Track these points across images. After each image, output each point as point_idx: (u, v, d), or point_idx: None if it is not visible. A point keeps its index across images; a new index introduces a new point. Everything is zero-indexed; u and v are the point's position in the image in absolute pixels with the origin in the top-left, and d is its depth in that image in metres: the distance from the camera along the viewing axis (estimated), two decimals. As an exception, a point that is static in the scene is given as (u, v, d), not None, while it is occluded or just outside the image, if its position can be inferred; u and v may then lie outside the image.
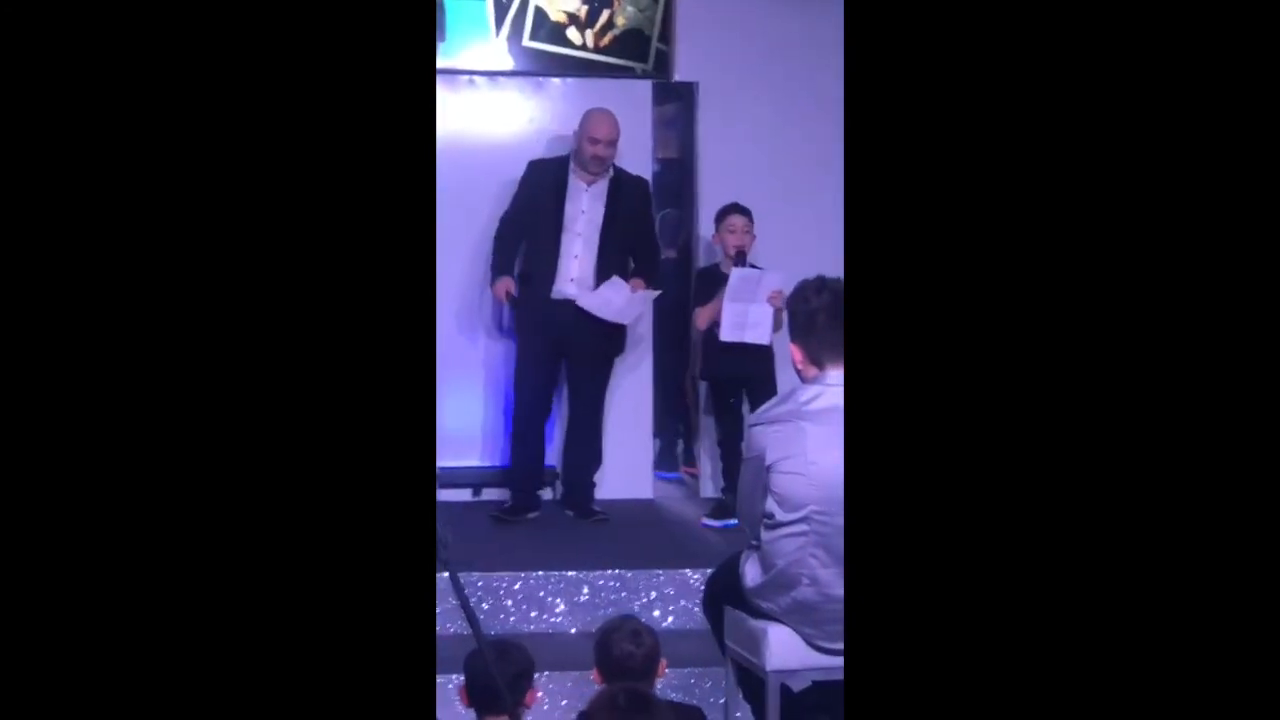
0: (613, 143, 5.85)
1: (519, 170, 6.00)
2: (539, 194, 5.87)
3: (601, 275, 5.85)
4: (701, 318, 6.01)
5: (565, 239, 5.84)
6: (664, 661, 3.40)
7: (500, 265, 5.92)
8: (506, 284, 5.85)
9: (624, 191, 5.93)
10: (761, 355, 5.87)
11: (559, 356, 5.96)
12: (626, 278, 5.90)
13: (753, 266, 5.91)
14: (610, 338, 5.97)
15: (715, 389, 6.17)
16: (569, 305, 5.81)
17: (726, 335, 5.81)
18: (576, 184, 5.88)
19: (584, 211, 5.87)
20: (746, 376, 5.89)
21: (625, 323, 5.93)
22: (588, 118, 5.88)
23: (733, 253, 5.91)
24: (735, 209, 5.99)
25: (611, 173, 5.91)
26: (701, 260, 6.46)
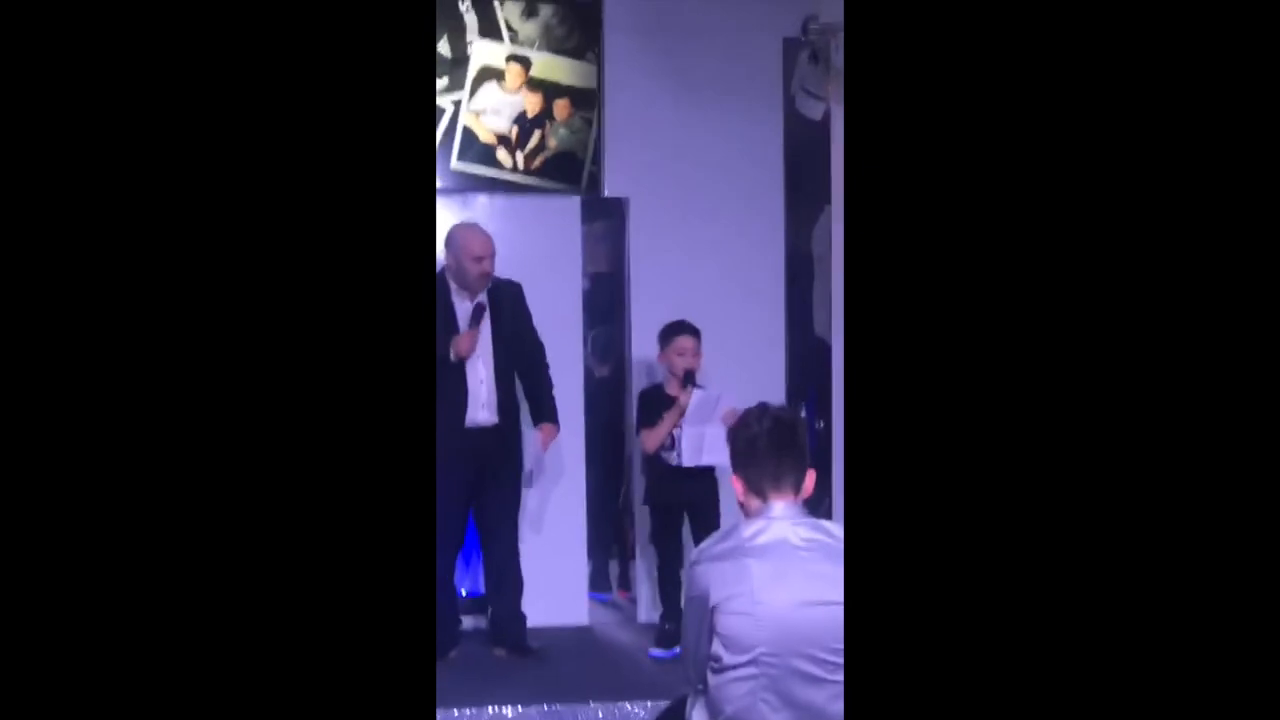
0: (494, 255, 5.57)
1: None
2: None
3: (501, 393, 5.61)
4: (650, 441, 5.82)
5: (469, 365, 5.53)
6: None
7: None
8: (466, 338, 5.48)
9: (504, 300, 5.66)
10: (706, 480, 5.73)
11: (470, 487, 5.61)
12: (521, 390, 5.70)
13: (698, 387, 5.78)
14: (512, 464, 5.74)
15: (657, 514, 5.95)
16: (478, 433, 5.54)
17: (688, 460, 5.67)
18: (461, 304, 5.58)
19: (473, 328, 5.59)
20: (690, 501, 5.75)
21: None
22: (463, 235, 5.57)
23: (681, 374, 5.77)
24: (684, 329, 5.81)
25: (489, 283, 5.64)
26: (640, 379, 6.31)
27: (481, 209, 6.26)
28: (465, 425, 5.50)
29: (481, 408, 5.56)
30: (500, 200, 6.28)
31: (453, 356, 5.46)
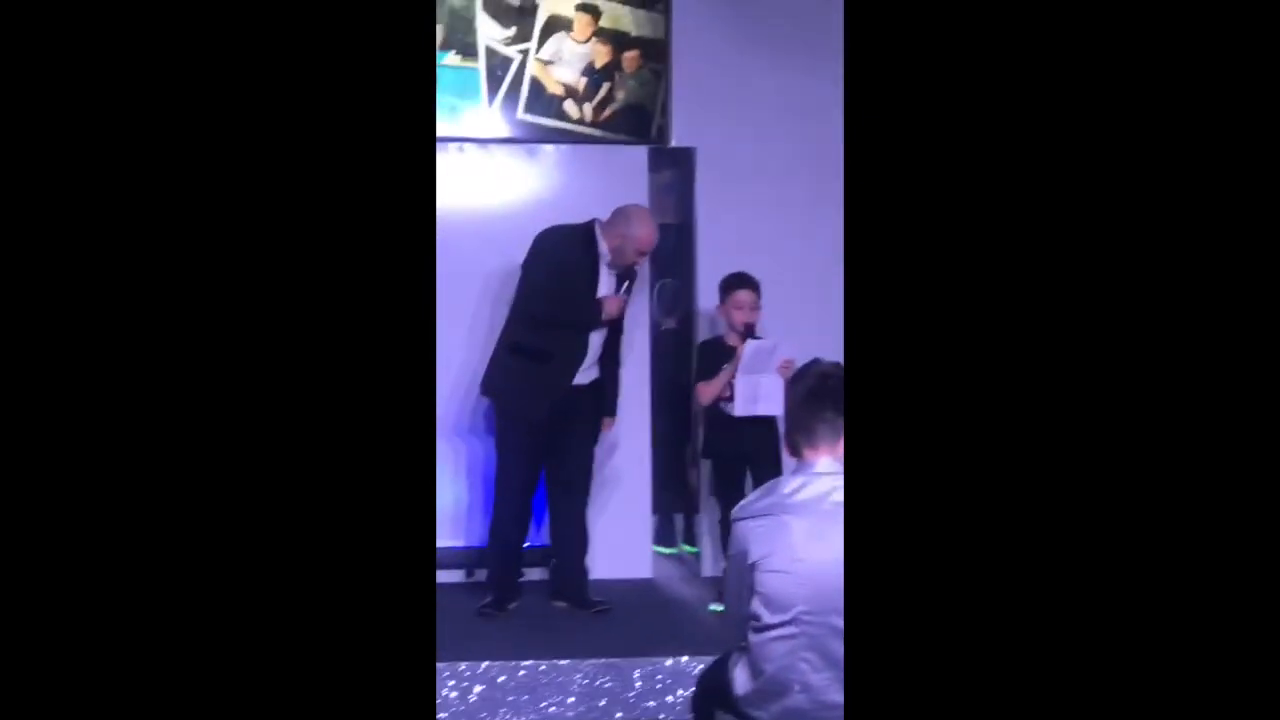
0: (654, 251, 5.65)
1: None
2: (569, 269, 5.52)
3: (605, 350, 5.65)
4: (706, 393, 5.79)
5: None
6: None
7: (533, 346, 5.51)
8: (617, 302, 5.54)
9: (628, 277, 5.69)
10: (766, 431, 5.68)
11: (549, 441, 5.62)
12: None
13: (757, 338, 5.73)
14: (597, 420, 5.76)
15: (719, 466, 5.94)
16: (577, 390, 5.56)
17: (741, 410, 5.64)
18: (605, 272, 5.59)
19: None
20: (751, 453, 5.70)
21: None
22: (638, 225, 5.54)
23: (740, 328, 5.73)
24: (743, 282, 5.77)
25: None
26: (708, 332, 6.26)
27: (547, 159, 6.23)
28: (574, 383, 5.54)
29: (588, 368, 5.59)
30: (567, 150, 6.24)
31: (604, 317, 5.51)
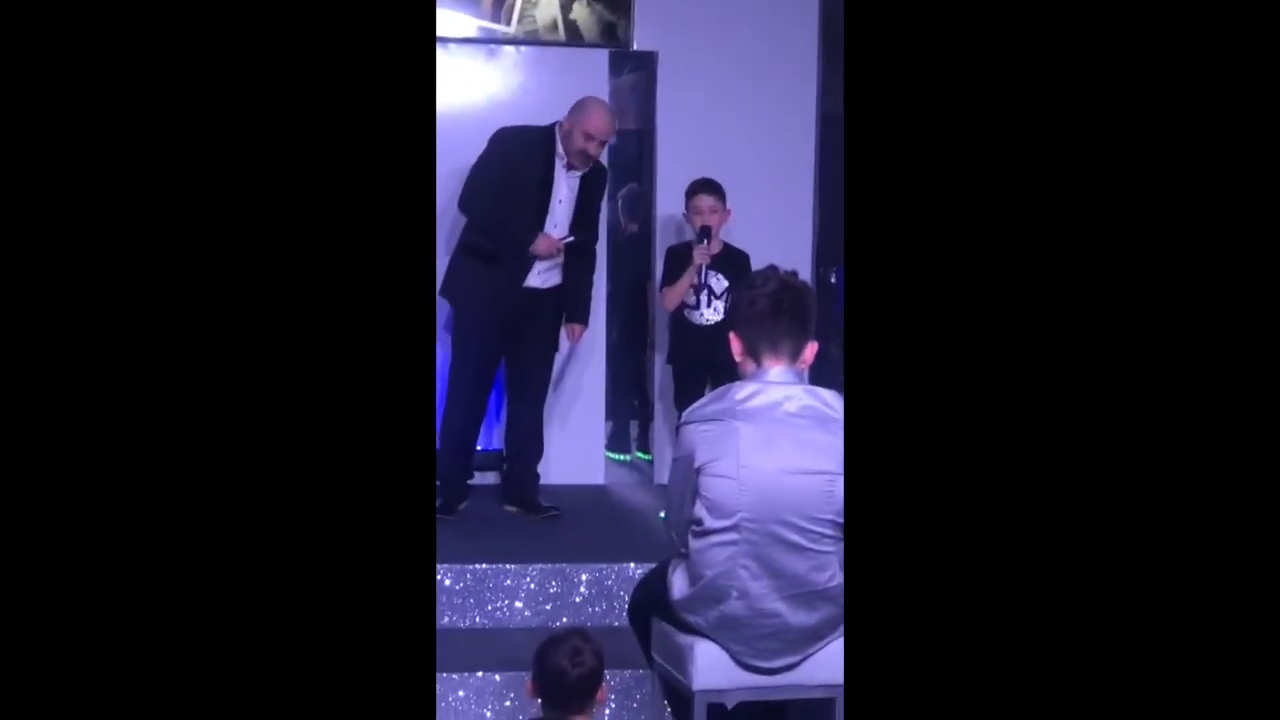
0: (606, 141, 5.48)
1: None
2: (520, 172, 5.41)
3: (569, 257, 5.55)
4: (669, 298, 5.75)
5: (545, 228, 5.46)
6: (605, 686, 3.13)
7: (481, 248, 5.42)
8: (548, 241, 5.42)
9: (595, 181, 5.59)
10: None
11: (505, 344, 5.57)
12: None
13: (729, 246, 5.68)
14: (556, 325, 5.67)
15: (680, 373, 5.88)
16: (533, 294, 5.48)
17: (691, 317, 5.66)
18: (560, 171, 5.46)
19: (562, 201, 5.49)
20: (714, 361, 5.66)
21: None
22: (589, 110, 5.40)
23: (697, 231, 5.67)
24: (702, 187, 5.69)
25: (590, 164, 5.55)
26: (666, 237, 6.18)
27: (507, 60, 6.13)
28: (523, 284, 5.45)
29: (539, 272, 5.49)
30: (529, 53, 6.14)
31: (531, 249, 5.40)
